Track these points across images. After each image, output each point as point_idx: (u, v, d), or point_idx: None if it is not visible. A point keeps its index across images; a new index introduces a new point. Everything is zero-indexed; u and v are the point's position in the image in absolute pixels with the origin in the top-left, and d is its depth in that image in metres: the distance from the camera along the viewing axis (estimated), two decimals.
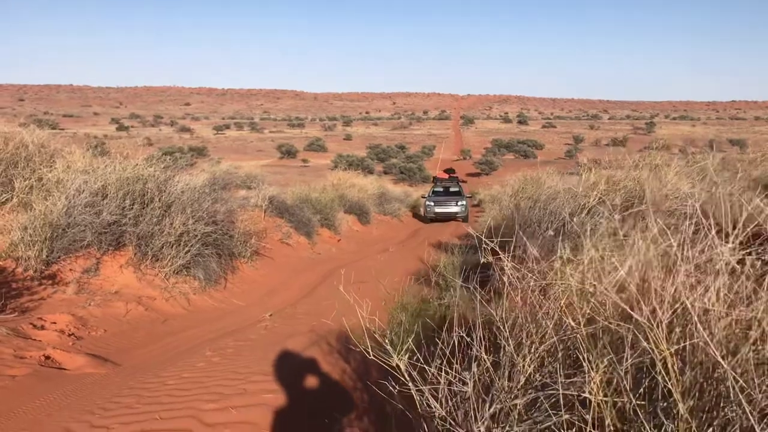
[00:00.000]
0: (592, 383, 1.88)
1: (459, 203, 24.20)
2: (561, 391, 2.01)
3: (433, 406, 2.31)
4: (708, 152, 9.01)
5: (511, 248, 3.29)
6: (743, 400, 1.56)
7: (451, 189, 26.20)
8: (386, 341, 2.64)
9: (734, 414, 1.67)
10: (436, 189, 26.56)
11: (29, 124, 11.50)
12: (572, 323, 2.15)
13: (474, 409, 2.16)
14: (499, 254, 3.03)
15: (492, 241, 2.98)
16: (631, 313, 1.87)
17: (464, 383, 2.26)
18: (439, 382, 2.38)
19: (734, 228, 2.19)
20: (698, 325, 1.72)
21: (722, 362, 1.64)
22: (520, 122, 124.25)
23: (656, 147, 8.10)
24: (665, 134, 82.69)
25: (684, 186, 6.58)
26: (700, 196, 5.02)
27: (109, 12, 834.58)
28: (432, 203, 24.55)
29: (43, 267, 7.05)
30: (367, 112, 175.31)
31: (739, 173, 7.62)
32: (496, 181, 30.75)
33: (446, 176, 27.16)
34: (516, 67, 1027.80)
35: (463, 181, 28.39)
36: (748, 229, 2.14)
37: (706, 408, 1.80)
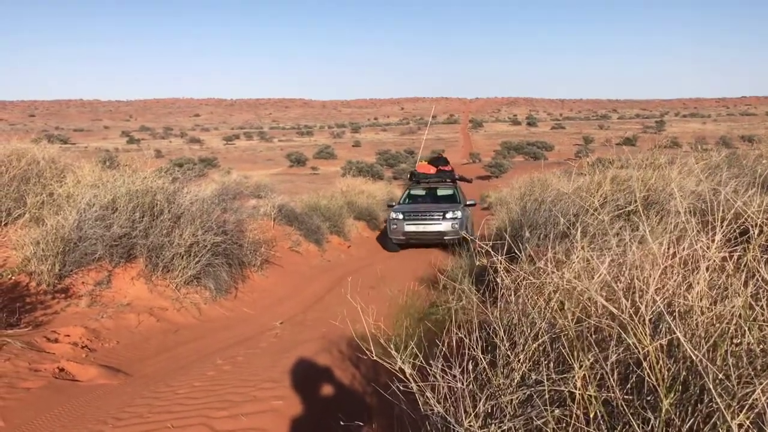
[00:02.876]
0: (576, 378, 1.93)
1: (450, 215, 14.21)
2: (548, 387, 2.07)
3: (433, 405, 2.37)
4: (716, 149, 9.03)
5: (518, 249, 3.35)
6: (714, 392, 1.61)
7: (440, 192, 16.57)
8: (390, 346, 2.71)
9: (715, 406, 1.71)
10: (413, 192, 16.76)
11: (41, 139, 11.70)
12: (562, 322, 2.21)
13: (470, 407, 2.23)
14: (501, 257, 3.10)
15: (486, 244, 3.05)
16: (614, 310, 1.92)
17: (460, 382, 2.32)
18: (438, 383, 2.45)
19: (723, 225, 2.24)
20: (676, 320, 1.77)
21: (695, 354, 1.69)
22: (529, 124, 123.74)
23: (661, 146, 8.08)
24: (676, 132, 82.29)
25: (689, 184, 6.59)
26: (701, 194, 5.04)
27: (116, 27, 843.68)
28: (401, 216, 14.52)
29: (56, 281, 7.17)
30: (375, 119, 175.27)
31: (744, 169, 7.65)
32: (507, 183, 28.74)
33: (432, 170, 16.72)
34: (524, 69, 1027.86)
35: (464, 179, 17.83)
36: (734, 225, 2.18)
37: (692, 400, 1.85)
